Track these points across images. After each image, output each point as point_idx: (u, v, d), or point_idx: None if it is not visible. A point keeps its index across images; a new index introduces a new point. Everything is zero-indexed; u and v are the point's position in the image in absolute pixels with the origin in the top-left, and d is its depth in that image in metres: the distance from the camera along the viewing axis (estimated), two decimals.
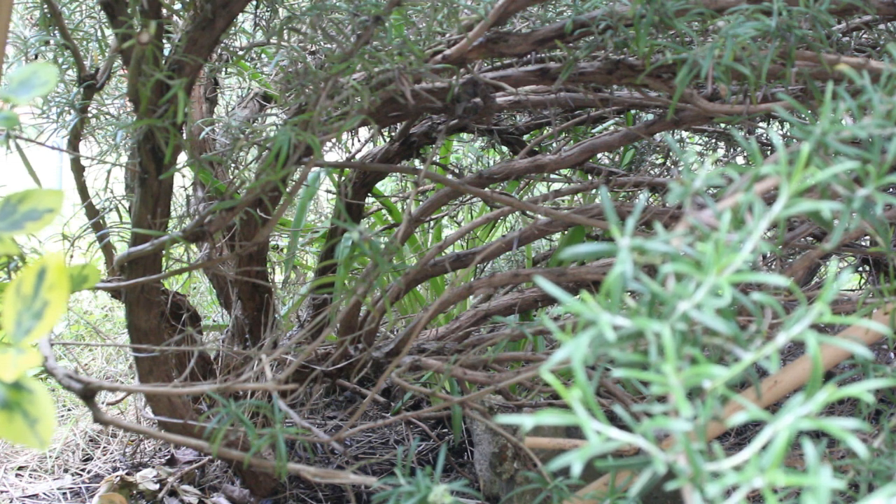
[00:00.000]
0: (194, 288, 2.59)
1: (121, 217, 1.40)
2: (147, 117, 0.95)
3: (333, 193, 2.16)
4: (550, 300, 1.62)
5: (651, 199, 1.83)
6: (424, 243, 2.37)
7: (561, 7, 1.23)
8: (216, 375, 1.60)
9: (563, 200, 2.27)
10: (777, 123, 1.69)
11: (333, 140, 1.37)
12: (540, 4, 1.16)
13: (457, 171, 2.02)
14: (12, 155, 1.17)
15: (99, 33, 1.27)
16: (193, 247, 1.55)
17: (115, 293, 1.36)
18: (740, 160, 2.03)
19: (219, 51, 1.45)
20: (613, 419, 1.50)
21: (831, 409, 1.74)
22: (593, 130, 1.90)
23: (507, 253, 1.79)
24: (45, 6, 1.16)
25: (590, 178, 1.87)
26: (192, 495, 1.57)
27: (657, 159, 2.05)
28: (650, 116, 1.72)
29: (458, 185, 1.36)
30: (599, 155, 1.85)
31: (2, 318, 0.55)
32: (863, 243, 1.77)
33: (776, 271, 1.41)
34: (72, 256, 1.39)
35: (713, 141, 1.88)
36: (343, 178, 1.65)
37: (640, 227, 1.51)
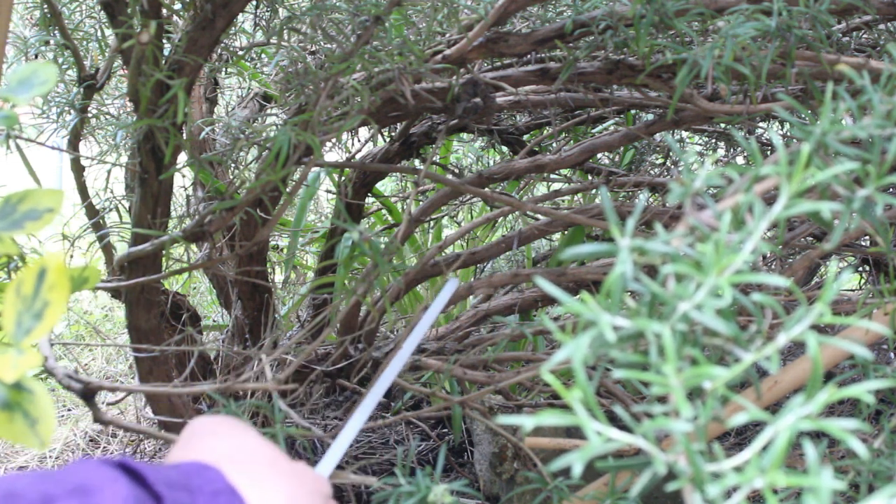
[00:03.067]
0: (194, 288, 2.59)
1: (121, 217, 1.40)
2: (147, 117, 0.95)
3: (333, 193, 2.16)
4: (550, 300, 1.62)
5: (651, 199, 1.83)
6: (424, 243, 2.37)
7: (561, 7, 1.23)
8: (216, 375, 1.60)
9: (563, 200, 2.27)
10: (777, 123, 1.69)
11: (333, 140, 1.37)
12: (540, 4, 1.16)
13: (457, 171, 2.02)
14: (12, 155, 1.17)
15: (99, 33, 1.27)
16: (193, 247, 1.55)
17: (115, 293, 1.36)
18: (740, 160, 2.03)
19: (219, 51, 1.45)
20: (614, 419, 1.50)
21: (831, 410, 1.74)
22: (593, 130, 1.90)
23: (507, 253, 1.79)
24: (45, 6, 1.16)
25: (590, 178, 1.87)
26: None
27: (657, 159, 2.05)
28: (650, 116, 1.72)
29: (458, 185, 1.36)
30: (599, 155, 1.85)
31: (2, 319, 0.55)
32: (863, 243, 1.77)
33: (776, 271, 1.41)
34: (72, 256, 1.39)
35: (713, 141, 1.88)
36: (343, 178, 1.65)
37: (641, 228, 1.51)
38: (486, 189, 1.49)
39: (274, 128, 1.44)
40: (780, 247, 1.30)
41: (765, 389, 1.01)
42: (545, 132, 1.75)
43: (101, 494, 0.39)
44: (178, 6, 1.08)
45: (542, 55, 1.26)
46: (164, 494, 0.41)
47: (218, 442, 0.51)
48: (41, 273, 0.55)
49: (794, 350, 2.14)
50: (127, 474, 0.42)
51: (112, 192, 1.38)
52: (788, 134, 1.80)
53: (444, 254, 1.61)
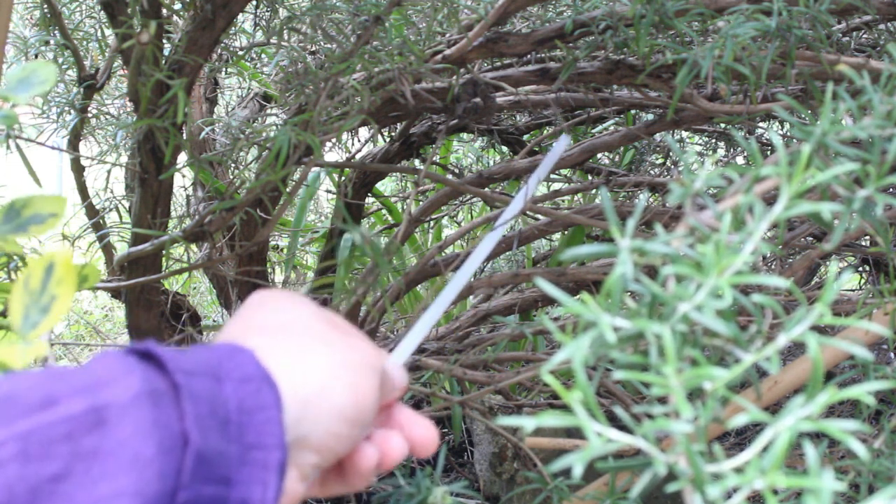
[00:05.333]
0: (194, 288, 2.59)
1: (121, 217, 1.40)
2: (147, 117, 0.95)
3: (333, 193, 2.16)
4: (550, 300, 1.62)
5: (651, 200, 1.83)
6: (424, 243, 2.37)
7: (561, 7, 1.23)
8: None
9: (563, 200, 2.27)
10: (777, 123, 1.69)
11: (333, 140, 1.37)
12: (540, 4, 1.16)
13: (457, 171, 2.02)
14: (12, 155, 1.17)
15: (99, 33, 1.27)
16: (193, 247, 1.55)
17: (115, 293, 1.36)
18: (740, 160, 2.03)
19: (219, 51, 1.45)
20: (614, 419, 1.50)
21: (832, 410, 1.74)
22: (593, 130, 1.89)
23: (507, 253, 1.79)
24: (45, 6, 1.16)
25: (590, 178, 1.87)
26: None
27: (657, 159, 2.05)
28: (650, 116, 1.72)
29: (458, 185, 1.36)
30: (599, 155, 1.85)
31: (9, 314, 0.55)
32: (863, 243, 1.77)
33: (777, 271, 1.41)
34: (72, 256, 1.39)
35: (713, 141, 1.88)
36: (343, 178, 1.65)
37: (641, 228, 1.51)
38: (486, 189, 1.49)
39: (274, 128, 1.44)
40: (781, 247, 1.30)
41: (765, 390, 1.01)
42: (545, 132, 1.75)
43: (110, 390, 0.37)
44: (178, 6, 1.08)
45: (542, 55, 1.26)
46: (182, 384, 0.39)
47: (269, 315, 0.51)
48: (49, 268, 0.56)
49: (794, 350, 2.14)
50: (148, 362, 0.40)
51: (112, 192, 1.38)
52: (788, 134, 1.80)
53: (444, 254, 1.61)
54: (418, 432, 0.53)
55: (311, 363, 0.46)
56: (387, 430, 0.52)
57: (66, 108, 1.21)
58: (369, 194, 1.78)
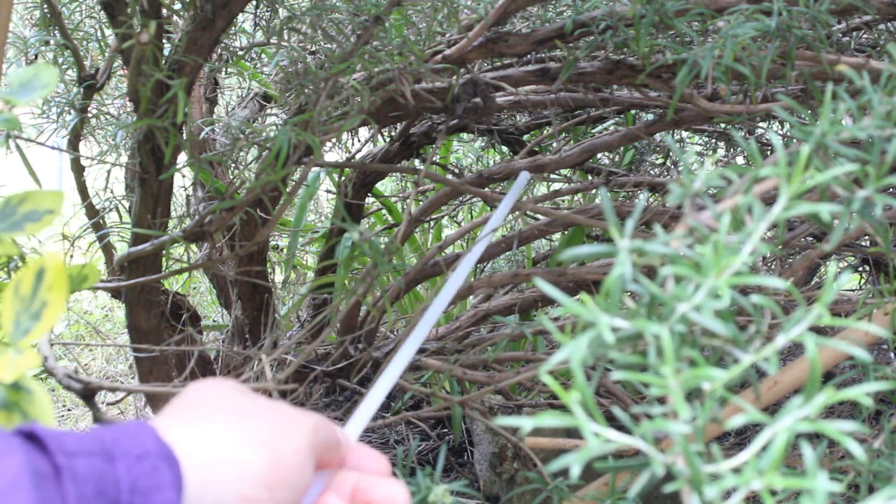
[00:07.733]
0: (194, 288, 2.59)
1: (121, 217, 1.40)
2: (147, 117, 0.95)
3: (333, 193, 2.16)
4: (550, 300, 1.62)
5: (651, 200, 1.83)
6: (424, 243, 2.37)
7: (561, 7, 1.23)
8: (216, 375, 1.60)
9: (563, 200, 2.27)
10: (777, 123, 1.69)
11: (333, 140, 1.37)
12: (540, 4, 1.16)
13: (457, 171, 2.02)
14: (12, 155, 1.17)
15: (99, 33, 1.27)
16: (193, 247, 1.55)
17: (115, 293, 1.36)
18: (740, 160, 2.03)
19: (219, 51, 1.45)
20: (613, 419, 1.50)
21: (831, 410, 1.74)
22: (593, 130, 1.89)
23: (507, 253, 1.79)
24: (45, 6, 1.16)
25: (590, 178, 1.87)
26: None
27: (657, 159, 2.05)
28: (650, 116, 1.72)
29: (458, 185, 1.36)
30: (599, 155, 1.85)
31: (1, 319, 0.55)
32: (863, 243, 1.77)
33: (776, 271, 1.41)
34: (72, 256, 1.39)
35: (713, 141, 1.87)
36: (343, 178, 1.65)
37: (640, 228, 1.51)
38: (486, 189, 1.49)
39: (274, 128, 1.44)
40: (780, 247, 1.30)
41: (764, 390, 1.01)
42: (545, 132, 1.75)
43: None
44: (178, 6, 1.08)
45: (542, 55, 1.26)
46: (63, 465, 0.37)
47: (185, 397, 0.48)
48: (39, 273, 0.55)
49: (794, 350, 2.14)
50: (31, 443, 0.38)
51: (112, 192, 1.38)
52: (788, 134, 1.80)
53: (444, 254, 1.61)
54: (382, 492, 0.51)
55: (217, 429, 0.45)
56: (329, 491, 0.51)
57: (66, 108, 1.21)
58: (369, 194, 1.78)
